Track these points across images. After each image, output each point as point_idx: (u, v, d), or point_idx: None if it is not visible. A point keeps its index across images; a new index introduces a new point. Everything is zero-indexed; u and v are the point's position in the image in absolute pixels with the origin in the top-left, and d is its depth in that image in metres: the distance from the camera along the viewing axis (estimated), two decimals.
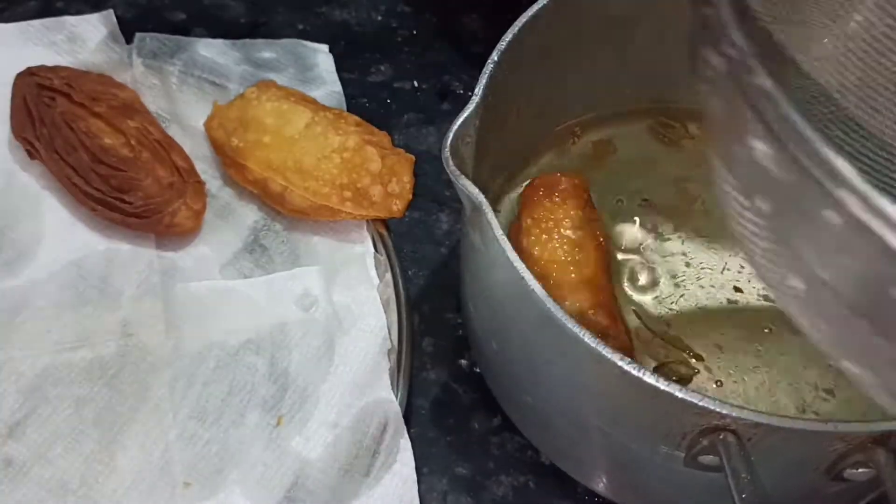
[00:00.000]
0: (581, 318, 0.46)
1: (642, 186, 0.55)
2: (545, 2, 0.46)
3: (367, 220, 0.55)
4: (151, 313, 0.51)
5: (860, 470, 0.36)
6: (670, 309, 0.51)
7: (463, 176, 0.40)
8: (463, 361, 0.54)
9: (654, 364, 0.49)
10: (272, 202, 0.54)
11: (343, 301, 0.53)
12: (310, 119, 0.55)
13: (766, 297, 0.51)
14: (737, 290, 0.52)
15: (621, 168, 0.56)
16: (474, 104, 0.42)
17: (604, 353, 0.35)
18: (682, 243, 0.53)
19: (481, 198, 0.39)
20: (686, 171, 0.56)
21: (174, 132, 0.56)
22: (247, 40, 0.63)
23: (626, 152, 0.57)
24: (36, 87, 0.54)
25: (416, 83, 0.65)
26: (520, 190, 0.54)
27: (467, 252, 0.47)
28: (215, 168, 0.57)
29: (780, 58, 0.35)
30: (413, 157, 0.55)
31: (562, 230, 0.49)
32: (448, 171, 0.40)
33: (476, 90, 0.43)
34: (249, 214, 0.56)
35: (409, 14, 0.69)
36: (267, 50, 0.63)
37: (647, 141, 0.58)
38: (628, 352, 0.47)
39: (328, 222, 0.55)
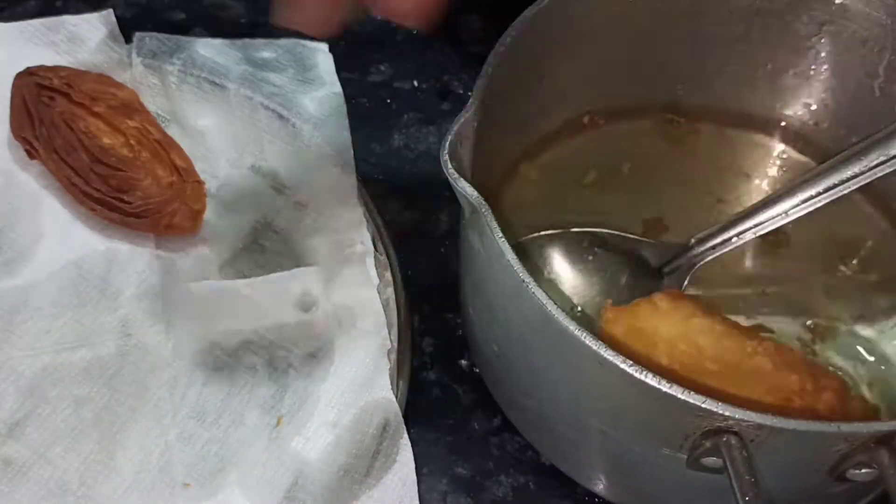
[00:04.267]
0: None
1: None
2: (543, 3, 0.46)
3: (368, 220, 0.55)
4: (151, 313, 0.51)
5: (863, 470, 0.35)
6: None
7: (462, 179, 0.39)
8: (463, 361, 0.54)
9: None
10: None
11: (343, 301, 0.52)
12: None
13: None
14: None
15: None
16: (473, 106, 0.42)
17: (606, 355, 0.35)
18: None
19: (481, 200, 0.39)
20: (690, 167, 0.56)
21: (174, 132, 0.56)
22: (246, 40, 0.63)
23: (628, 149, 0.57)
24: (35, 86, 0.54)
25: (416, 83, 0.65)
26: (520, 190, 0.54)
27: (466, 255, 0.47)
28: (215, 168, 0.57)
29: None
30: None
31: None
32: (447, 174, 0.40)
33: (474, 91, 0.43)
34: (249, 214, 0.56)
35: None
36: (267, 50, 0.63)
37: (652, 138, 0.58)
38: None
39: (328, 223, 0.55)
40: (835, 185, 0.45)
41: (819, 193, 0.45)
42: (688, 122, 0.57)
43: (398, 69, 0.66)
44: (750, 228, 0.47)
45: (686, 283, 0.49)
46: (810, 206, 0.46)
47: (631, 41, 0.53)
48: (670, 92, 0.57)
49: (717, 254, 0.48)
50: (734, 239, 0.48)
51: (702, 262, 0.49)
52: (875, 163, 0.44)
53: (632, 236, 0.51)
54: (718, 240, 0.48)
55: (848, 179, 0.44)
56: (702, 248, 0.48)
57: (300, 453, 0.48)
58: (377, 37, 0.67)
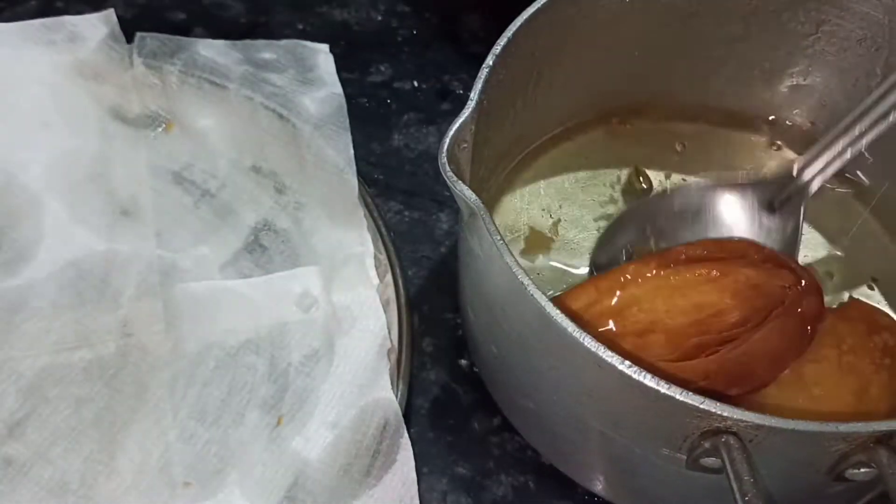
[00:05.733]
0: None
1: None
2: (540, 4, 0.46)
3: (368, 220, 0.55)
4: (151, 313, 0.51)
5: (862, 470, 0.35)
6: None
7: (460, 182, 0.39)
8: (463, 361, 0.54)
9: None
10: None
11: (343, 301, 0.52)
12: None
13: None
14: None
15: None
16: (470, 109, 0.42)
17: (604, 357, 0.35)
18: None
19: (479, 203, 0.39)
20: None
21: (174, 132, 0.56)
22: (247, 41, 0.63)
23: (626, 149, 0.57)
24: None
25: (416, 83, 0.65)
26: (520, 191, 0.54)
27: (465, 257, 0.47)
28: (215, 168, 0.57)
29: None
30: None
31: None
32: (445, 177, 0.39)
33: (472, 94, 0.42)
34: (249, 214, 0.56)
35: (409, 14, 0.69)
36: (267, 50, 0.63)
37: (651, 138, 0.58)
38: None
39: (328, 223, 0.55)
40: None
41: None
42: (686, 122, 0.58)
43: (398, 69, 0.66)
44: (858, 137, 0.44)
45: (802, 215, 0.47)
46: None
47: (629, 41, 0.53)
48: (668, 92, 0.57)
49: (830, 172, 0.46)
50: (846, 152, 0.44)
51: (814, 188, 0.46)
52: None
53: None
54: (827, 157, 0.46)
55: None
56: (811, 174, 0.46)
57: (300, 453, 0.48)
58: (377, 37, 0.67)
